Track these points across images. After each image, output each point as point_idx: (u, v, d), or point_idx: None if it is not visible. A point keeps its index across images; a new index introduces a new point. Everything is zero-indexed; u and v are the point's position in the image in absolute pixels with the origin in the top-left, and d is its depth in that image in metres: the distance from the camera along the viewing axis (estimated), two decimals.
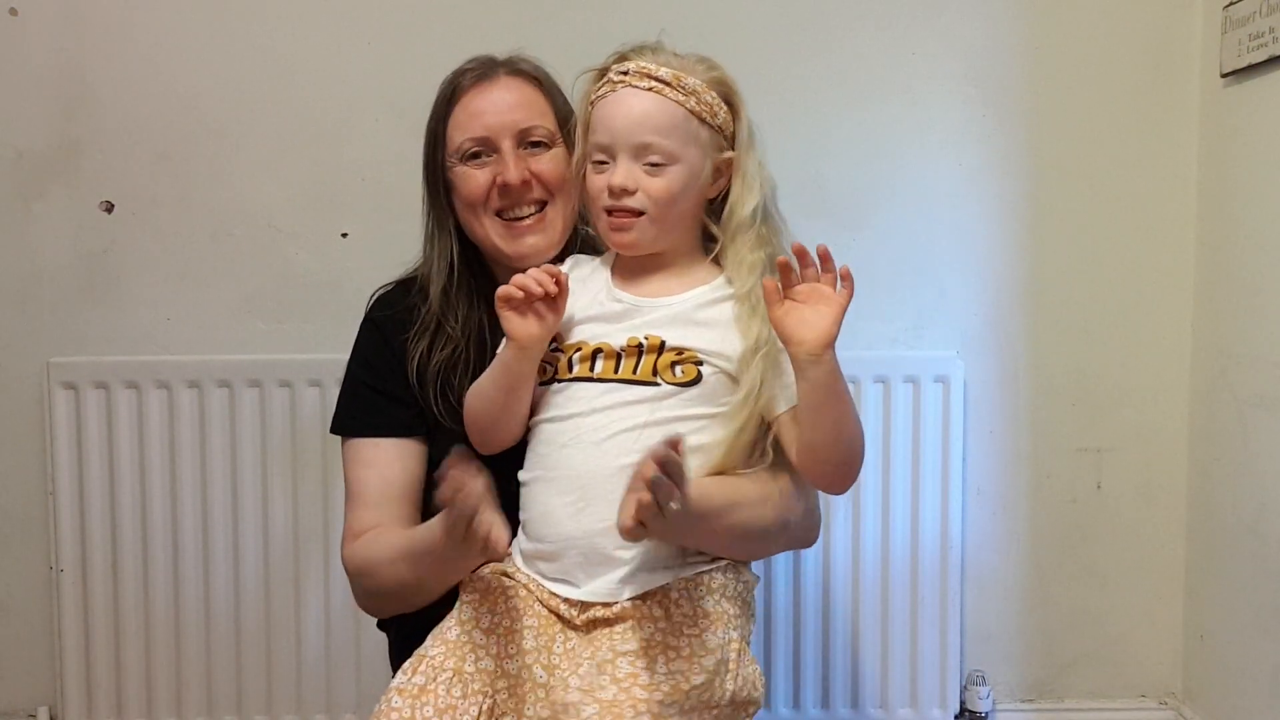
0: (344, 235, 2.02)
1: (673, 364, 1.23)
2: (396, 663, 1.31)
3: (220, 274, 2.02)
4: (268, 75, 1.99)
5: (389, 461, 1.43)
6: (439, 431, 1.41)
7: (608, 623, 1.21)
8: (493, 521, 1.14)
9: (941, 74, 2.03)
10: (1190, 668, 2.10)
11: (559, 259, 1.43)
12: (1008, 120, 2.04)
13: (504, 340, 1.28)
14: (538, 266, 1.27)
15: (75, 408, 1.96)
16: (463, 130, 1.43)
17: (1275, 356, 1.82)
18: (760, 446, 1.26)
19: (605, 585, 1.22)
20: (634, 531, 1.12)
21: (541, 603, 1.24)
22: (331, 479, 1.97)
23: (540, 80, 1.46)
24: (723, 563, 1.26)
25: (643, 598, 1.21)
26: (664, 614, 1.20)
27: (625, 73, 1.25)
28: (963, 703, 2.09)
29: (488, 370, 1.32)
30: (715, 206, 1.31)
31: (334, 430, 1.49)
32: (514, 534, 1.30)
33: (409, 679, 1.19)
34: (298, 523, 1.99)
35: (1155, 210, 2.06)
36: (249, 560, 1.99)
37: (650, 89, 1.24)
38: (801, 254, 1.20)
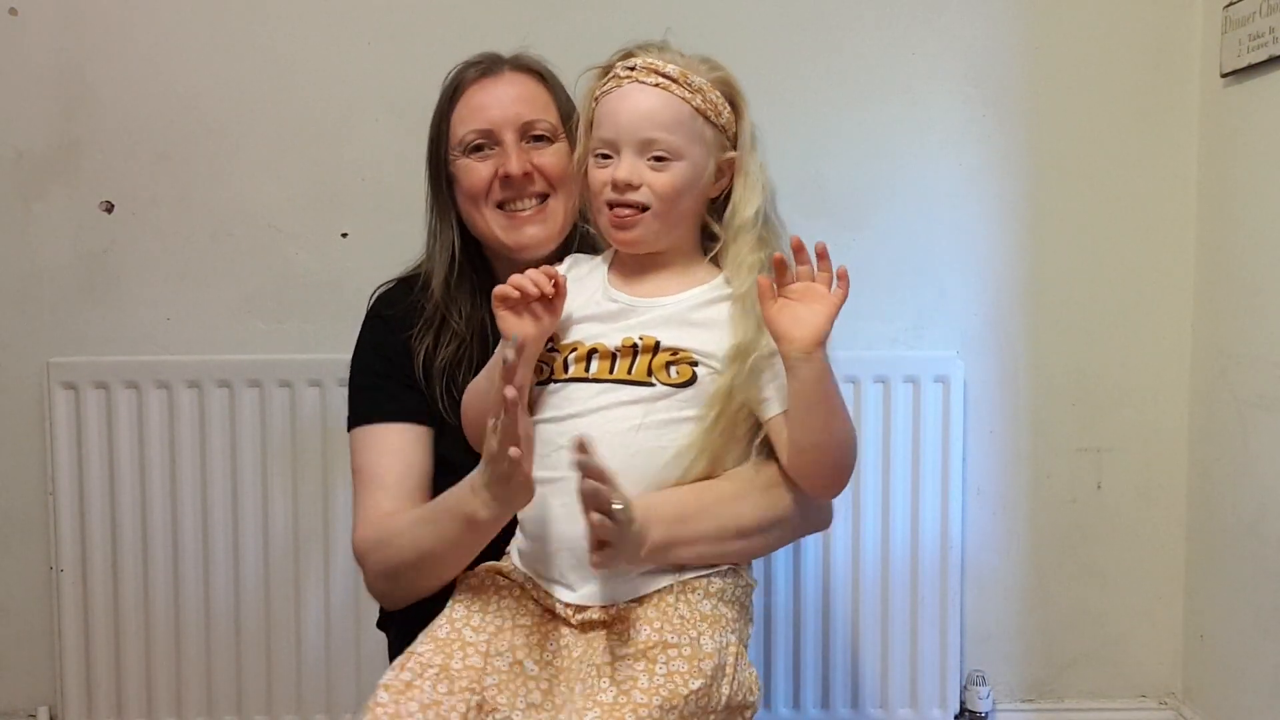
0: (344, 235, 2.02)
1: (667, 364, 1.23)
2: None
3: (220, 274, 2.02)
4: (268, 75, 1.99)
5: (406, 445, 1.41)
6: (445, 428, 1.41)
7: (605, 624, 1.21)
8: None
9: (941, 74, 2.03)
10: (1190, 668, 2.10)
11: (559, 254, 1.43)
12: (1008, 120, 2.04)
13: (501, 340, 1.28)
14: (535, 266, 1.27)
15: (75, 408, 1.96)
16: (466, 123, 1.43)
17: (1275, 356, 1.82)
18: (748, 450, 1.26)
19: (601, 589, 1.22)
20: (603, 557, 1.13)
21: (537, 601, 1.24)
22: (331, 479, 1.98)
23: (544, 76, 1.47)
24: (721, 567, 1.25)
25: (640, 600, 1.21)
26: (663, 616, 1.19)
27: (631, 69, 1.25)
28: (963, 703, 2.09)
29: (484, 370, 1.32)
30: (715, 207, 1.31)
31: (349, 424, 1.47)
32: (512, 533, 1.30)
33: (396, 675, 1.18)
34: (298, 523, 1.99)
35: (1155, 210, 2.06)
36: (249, 560, 1.99)
37: (657, 85, 1.24)
38: (799, 250, 1.20)
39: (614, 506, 1.11)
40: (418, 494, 1.40)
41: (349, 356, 1.51)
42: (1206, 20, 2.00)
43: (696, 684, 1.14)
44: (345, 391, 1.51)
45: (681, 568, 1.23)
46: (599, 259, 1.36)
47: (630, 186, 1.24)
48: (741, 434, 1.26)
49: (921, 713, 2.04)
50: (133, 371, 1.97)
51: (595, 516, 1.11)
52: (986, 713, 2.08)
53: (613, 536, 1.13)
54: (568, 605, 1.22)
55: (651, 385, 1.23)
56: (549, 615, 1.24)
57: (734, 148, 1.29)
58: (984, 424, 2.08)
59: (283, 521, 1.99)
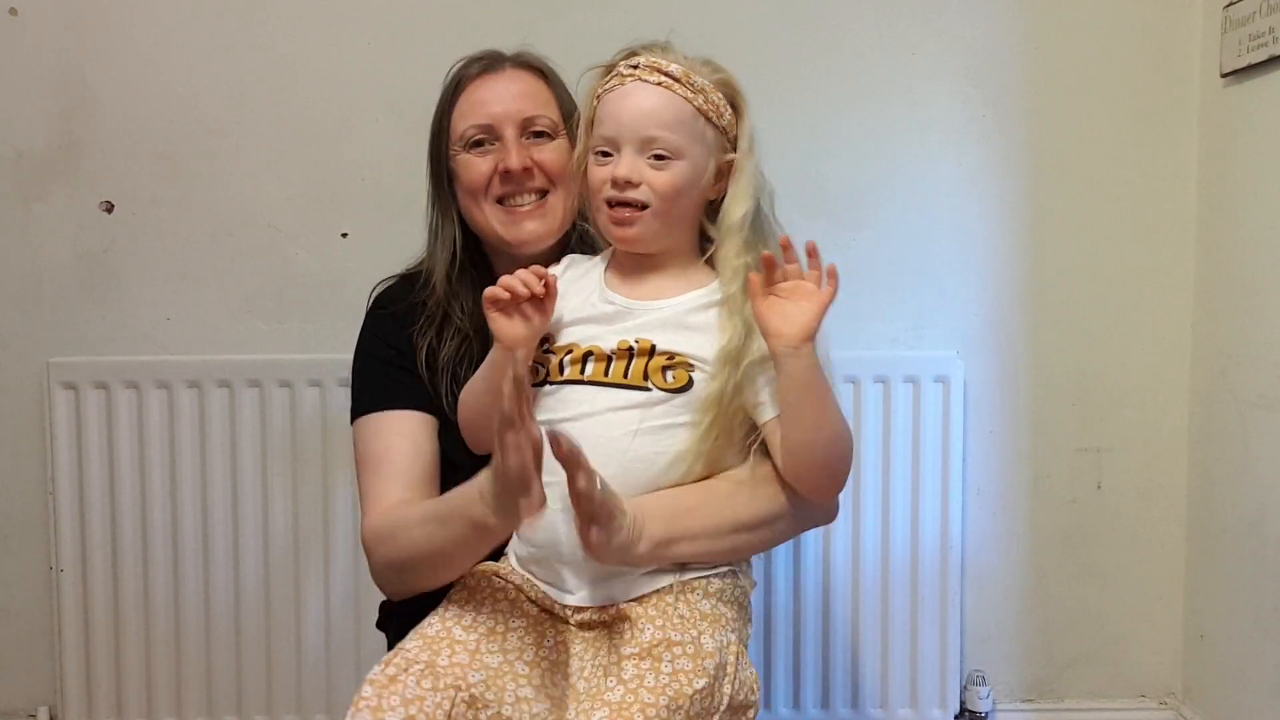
0: (344, 235, 2.02)
1: (664, 369, 1.23)
2: None
3: (220, 274, 2.02)
4: (268, 75, 1.99)
5: (415, 432, 1.41)
6: (447, 425, 1.41)
7: (604, 625, 1.21)
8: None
9: (941, 74, 2.03)
10: (1190, 668, 2.10)
11: (558, 251, 1.43)
12: (1008, 120, 2.04)
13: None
14: (535, 262, 1.27)
15: (75, 408, 1.96)
16: (466, 118, 1.44)
17: (1275, 356, 1.82)
18: (745, 454, 1.25)
19: (599, 590, 1.22)
20: (593, 538, 1.12)
21: (534, 602, 1.24)
22: (331, 479, 1.98)
23: (545, 73, 1.48)
24: (720, 568, 1.26)
25: (639, 600, 1.21)
26: (662, 616, 1.19)
27: (635, 67, 1.25)
28: (963, 703, 2.09)
29: (478, 371, 1.32)
30: (714, 210, 1.31)
31: (355, 413, 1.45)
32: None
33: (382, 670, 1.18)
34: (298, 523, 1.99)
35: (1155, 210, 2.06)
36: (249, 560, 1.99)
37: (660, 84, 1.24)
38: (787, 248, 1.20)
39: (597, 485, 1.10)
40: (427, 481, 1.39)
41: (349, 356, 1.51)
42: (1206, 20, 2.00)
43: (701, 683, 1.14)
44: (346, 391, 1.50)
45: (683, 567, 1.23)
46: (596, 259, 1.36)
47: (630, 184, 1.23)
48: (738, 438, 1.26)
49: (921, 713, 2.04)
50: (133, 371, 1.97)
51: (580, 481, 1.09)
52: (986, 713, 2.08)
53: (597, 512, 1.12)
54: (566, 606, 1.22)
55: (648, 390, 1.23)
56: (546, 615, 1.24)
57: (734, 150, 1.29)
58: (984, 424, 2.08)
59: (283, 521, 1.99)
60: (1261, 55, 1.81)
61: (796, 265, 1.20)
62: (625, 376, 1.23)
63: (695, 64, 1.27)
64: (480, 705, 1.16)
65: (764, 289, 1.20)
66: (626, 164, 1.24)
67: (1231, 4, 1.90)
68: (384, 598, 1.48)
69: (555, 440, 1.09)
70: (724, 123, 1.28)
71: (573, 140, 1.36)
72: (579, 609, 1.22)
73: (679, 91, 1.24)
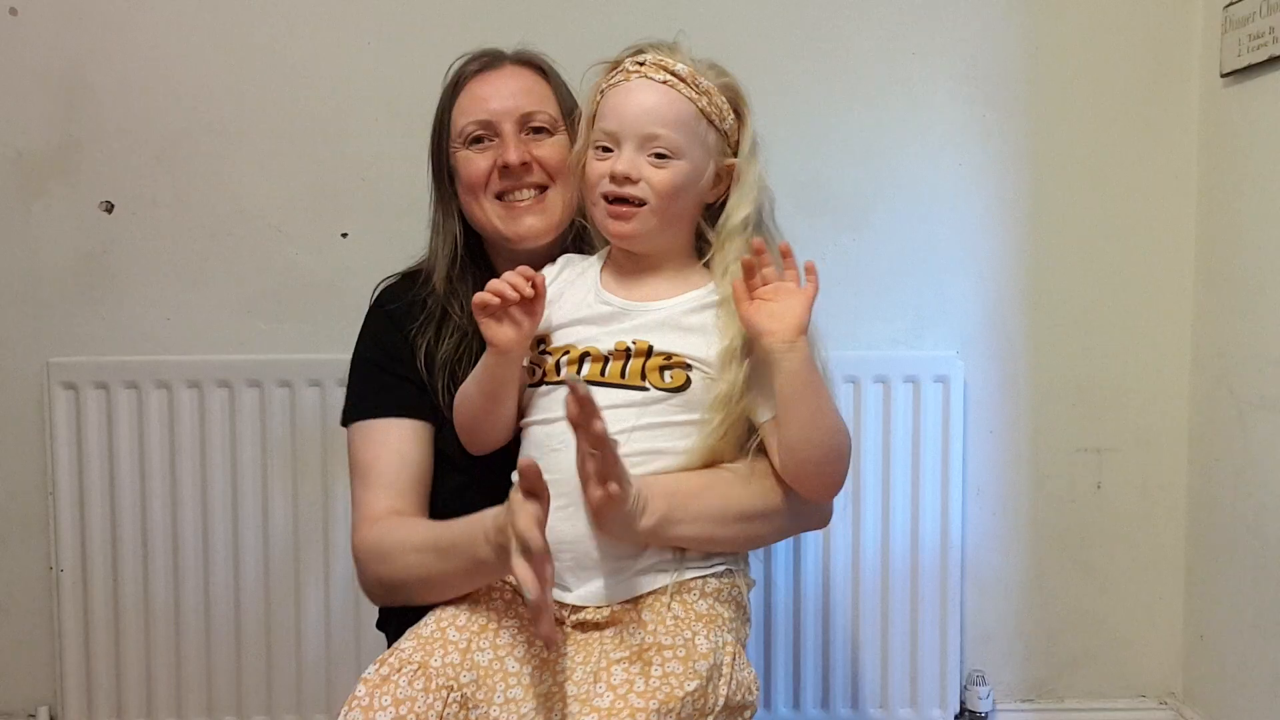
0: (344, 235, 2.02)
1: (661, 369, 1.23)
2: None
3: (220, 274, 2.02)
4: (268, 75, 1.99)
5: (404, 440, 1.41)
6: (446, 424, 1.41)
7: (598, 626, 1.21)
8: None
9: (941, 74, 2.03)
10: (1190, 668, 2.10)
11: (557, 247, 1.43)
12: (1008, 120, 2.04)
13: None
14: (534, 259, 1.27)
15: (75, 408, 1.96)
16: (466, 114, 1.44)
17: (1275, 356, 1.82)
18: (744, 452, 1.26)
19: (596, 589, 1.22)
20: (602, 504, 1.12)
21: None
22: (331, 479, 1.98)
23: (544, 70, 1.48)
24: (719, 567, 1.26)
25: (634, 601, 1.21)
26: (657, 618, 1.19)
27: (641, 64, 1.26)
28: (963, 703, 2.09)
29: (472, 374, 1.32)
30: (711, 213, 1.31)
31: (345, 418, 1.46)
32: None
33: (376, 670, 1.18)
34: (298, 523, 1.99)
35: (1155, 210, 2.06)
36: (249, 560, 1.99)
37: (665, 82, 1.24)
38: (760, 252, 1.21)
39: (611, 442, 1.11)
40: (415, 491, 1.40)
41: (349, 356, 1.51)
42: (1206, 20, 2.00)
43: (692, 685, 1.13)
44: (345, 391, 1.50)
45: (681, 558, 1.23)
46: (592, 260, 1.36)
47: (629, 180, 1.23)
48: (742, 438, 1.26)
49: (921, 713, 2.04)
50: (133, 371, 1.97)
51: (597, 426, 1.10)
52: (986, 713, 2.08)
53: (610, 466, 1.12)
54: (563, 606, 1.22)
55: (645, 389, 1.23)
56: None
57: (734, 154, 1.29)
58: (984, 424, 2.08)
59: (283, 521, 1.99)
60: (1261, 55, 1.81)
61: (773, 268, 1.21)
62: (622, 376, 1.23)
63: (701, 66, 1.27)
64: (471, 705, 1.16)
65: (747, 294, 1.21)
66: (626, 160, 1.24)
67: (1231, 4, 1.90)
68: None
69: (572, 389, 1.09)
70: (726, 126, 1.28)
71: (572, 136, 1.36)
72: (576, 608, 1.22)
73: (684, 91, 1.25)
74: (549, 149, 1.43)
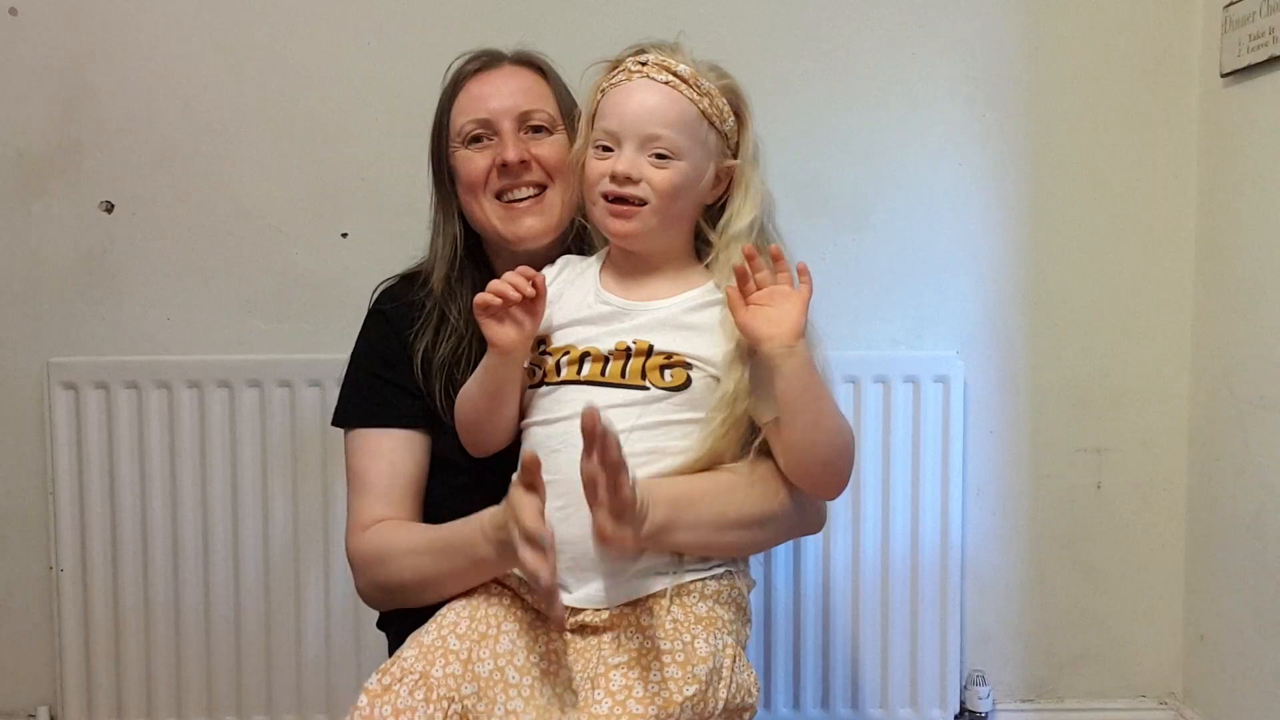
0: (344, 235, 2.02)
1: (662, 368, 1.23)
2: None
3: (220, 274, 2.02)
4: (268, 75, 1.99)
5: (397, 451, 1.42)
6: (443, 428, 1.41)
7: (596, 630, 1.21)
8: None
9: (941, 74, 2.03)
10: (1190, 668, 2.10)
11: (557, 247, 1.43)
12: (1008, 120, 2.04)
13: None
14: (534, 259, 1.27)
15: (75, 408, 1.96)
16: (465, 114, 1.44)
17: (1275, 356, 1.82)
18: (746, 454, 1.25)
19: (596, 591, 1.21)
20: (609, 519, 1.11)
21: (531, 607, 1.24)
22: (331, 479, 1.98)
23: (543, 69, 1.48)
24: (718, 569, 1.25)
25: (633, 605, 1.21)
26: (656, 621, 1.19)
27: (643, 64, 1.25)
28: (963, 703, 2.09)
29: (473, 375, 1.32)
30: (709, 214, 1.31)
31: (337, 421, 1.47)
32: None
33: (378, 680, 1.18)
34: (298, 523, 1.99)
35: (1155, 210, 2.06)
36: (249, 560, 1.99)
37: (667, 83, 1.24)
38: (751, 257, 1.20)
39: (625, 467, 1.10)
40: (408, 499, 1.41)
41: (349, 356, 1.51)
42: (1206, 20, 2.00)
43: (690, 690, 1.13)
44: (340, 390, 1.50)
45: (680, 561, 1.23)
46: (591, 260, 1.36)
47: (629, 180, 1.23)
48: (745, 437, 1.26)
49: (921, 713, 2.04)
50: (133, 371, 1.97)
51: (610, 456, 1.09)
52: (986, 713, 2.08)
53: (624, 491, 1.11)
54: (564, 608, 1.22)
55: (646, 389, 1.23)
56: (541, 622, 1.23)
57: (735, 156, 1.29)
58: (984, 424, 2.08)
59: (283, 521, 1.99)
60: (1261, 55, 1.81)
61: (765, 273, 1.20)
62: (623, 376, 1.23)
63: (702, 67, 1.27)
64: (471, 717, 1.16)
65: (742, 301, 1.20)
66: (627, 160, 1.24)
67: (1231, 4, 1.90)
68: None
69: (587, 413, 1.08)
70: (727, 128, 1.28)
71: (571, 136, 1.36)
72: (575, 611, 1.21)
73: (685, 92, 1.24)
74: (548, 148, 1.43)
